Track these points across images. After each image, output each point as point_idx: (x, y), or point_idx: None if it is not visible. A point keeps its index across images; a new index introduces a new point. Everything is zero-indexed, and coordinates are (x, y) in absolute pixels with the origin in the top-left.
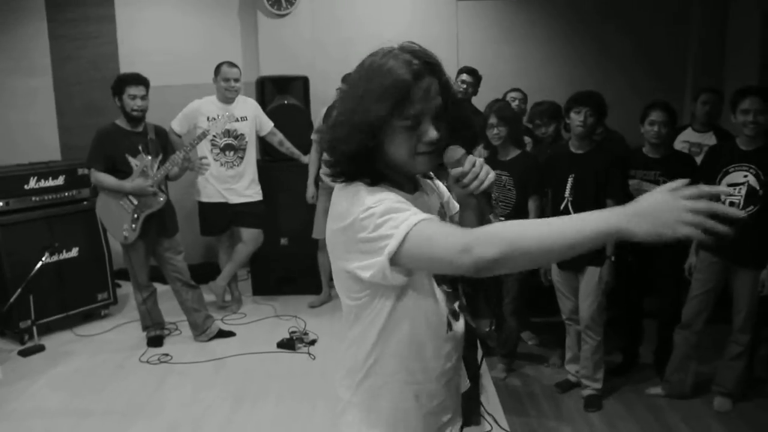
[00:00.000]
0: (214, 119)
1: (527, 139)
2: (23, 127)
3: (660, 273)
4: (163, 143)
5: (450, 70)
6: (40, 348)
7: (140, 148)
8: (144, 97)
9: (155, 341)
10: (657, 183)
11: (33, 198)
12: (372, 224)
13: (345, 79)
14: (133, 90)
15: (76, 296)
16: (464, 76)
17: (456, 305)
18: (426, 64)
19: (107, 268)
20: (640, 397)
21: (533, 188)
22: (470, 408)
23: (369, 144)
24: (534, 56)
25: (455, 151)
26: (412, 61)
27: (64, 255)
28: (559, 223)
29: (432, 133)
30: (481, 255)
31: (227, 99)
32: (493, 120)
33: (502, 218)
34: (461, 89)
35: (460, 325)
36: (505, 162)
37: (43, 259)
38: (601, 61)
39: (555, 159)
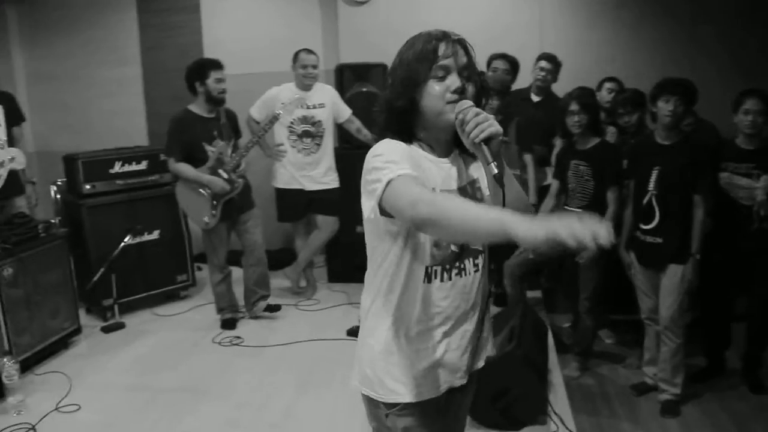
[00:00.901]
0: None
1: (612, 129)
2: (114, 115)
3: (753, 273)
4: (234, 126)
5: (532, 56)
6: (121, 325)
7: (215, 134)
8: (225, 80)
9: (229, 324)
10: (749, 176)
11: (117, 182)
12: (372, 168)
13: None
14: (218, 74)
15: (157, 277)
16: (543, 63)
17: (458, 263)
18: (449, 35)
19: (187, 251)
20: (723, 406)
21: (612, 179)
22: (534, 407)
23: (414, 96)
24: (620, 42)
25: (463, 103)
26: (438, 31)
27: (146, 237)
28: (479, 210)
29: (457, 82)
30: (418, 212)
31: (305, 86)
32: (574, 107)
33: (497, 171)
34: (539, 76)
35: (448, 284)
36: (583, 151)
37: (126, 240)
38: (689, 46)
39: (638, 149)
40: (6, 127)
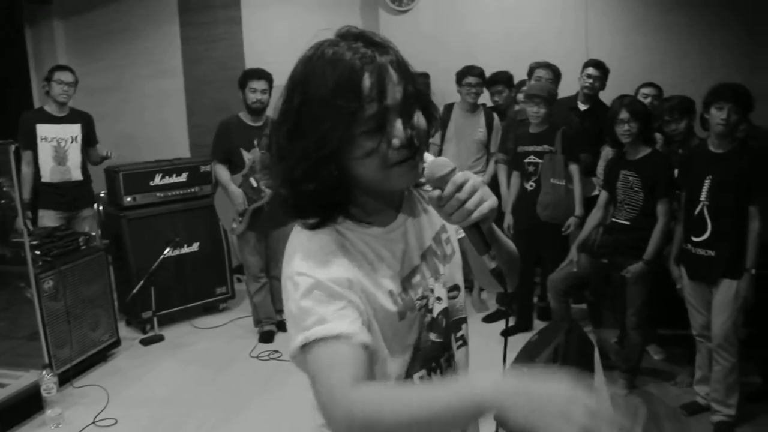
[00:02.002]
0: None
1: (658, 137)
2: (156, 127)
3: None
4: None
5: (577, 63)
6: (160, 338)
7: (255, 142)
8: (264, 91)
9: (266, 337)
10: None
11: (157, 194)
12: (294, 300)
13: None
14: (254, 84)
15: (196, 289)
16: (590, 70)
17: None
18: (371, 45)
19: (226, 263)
20: None
21: (663, 190)
22: None
23: (333, 173)
24: (670, 47)
25: (437, 167)
26: (352, 45)
27: (186, 249)
28: (426, 401)
29: (400, 133)
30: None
31: None
32: (624, 115)
33: (496, 264)
34: (587, 84)
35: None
36: (633, 161)
37: (166, 252)
38: (748, 51)
39: (690, 159)
40: (83, 145)
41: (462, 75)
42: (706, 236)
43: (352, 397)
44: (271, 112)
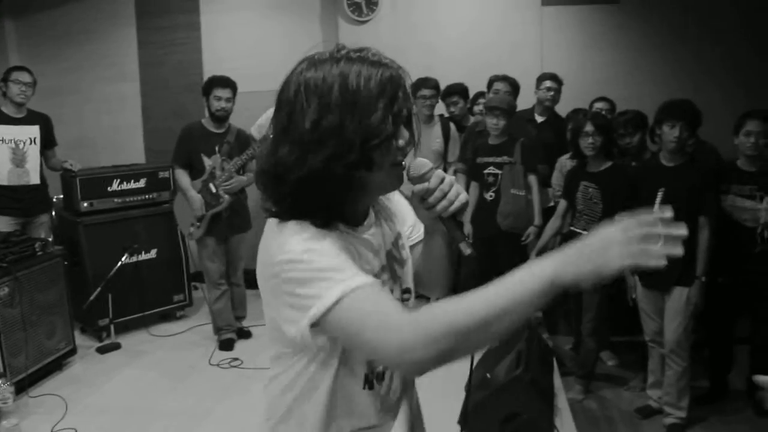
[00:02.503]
0: None
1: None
2: (112, 131)
3: (756, 295)
4: (242, 147)
5: (534, 76)
6: (117, 346)
7: (216, 148)
8: (229, 99)
9: (226, 344)
10: (753, 198)
11: (115, 200)
12: (301, 276)
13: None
14: (219, 92)
15: (153, 297)
16: (548, 83)
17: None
18: (402, 68)
19: (184, 270)
20: (728, 430)
21: (622, 203)
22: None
23: (371, 163)
24: (622, 64)
25: (421, 165)
26: (393, 62)
27: (143, 256)
28: (500, 292)
29: (406, 137)
30: (420, 356)
31: None
32: (589, 128)
33: (471, 250)
34: (548, 96)
35: (384, 387)
36: (594, 173)
37: (123, 259)
38: (692, 70)
39: (644, 172)
40: (42, 147)
41: (417, 87)
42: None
43: (416, 317)
44: (232, 119)
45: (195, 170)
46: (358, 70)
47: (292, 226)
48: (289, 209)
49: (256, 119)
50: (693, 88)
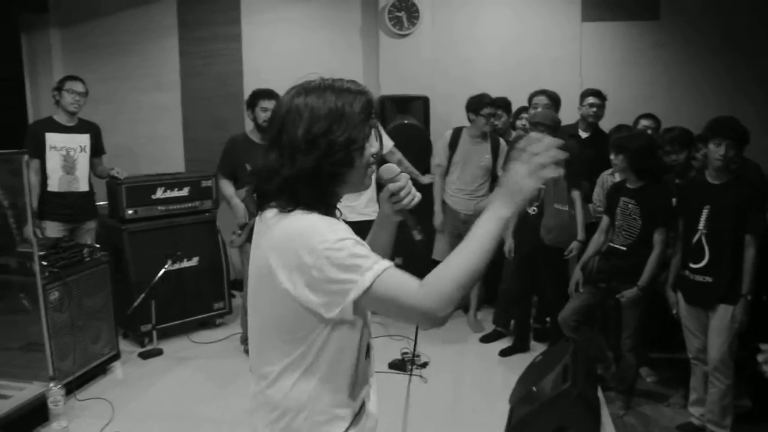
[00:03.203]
0: None
1: None
2: (152, 140)
3: None
4: None
5: (573, 92)
6: (159, 352)
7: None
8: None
9: None
10: None
11: (159, 207)
12: (336, 263)
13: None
14: (264, 103)
15: (194, 304)
16: (591, 99)
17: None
18: (368, 89)
19: (224, 279)
20: None
21: (660, 220)
22: None
23: (352, 162)
24: (660, 81)
25: (391, 169)
26: (359, 84)
27: (185, 263)
28: (472, 244)
29: (377, 145)
30: (442, 315)
31: None
32: (612, 148)
33: (421, 236)
34: (591, 112)
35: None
36: (633, 189)
37: (166, 266)
38: (728, 88)
39: (688, 189)
40: (91, 155)
41: (479, 104)
42: (704, 263)
43: (427, 285)
44: None
45: (240, 180)
46: (344, 95)
47: (313, 217)
48: (288, 202)
49: None
50: (729, 105)
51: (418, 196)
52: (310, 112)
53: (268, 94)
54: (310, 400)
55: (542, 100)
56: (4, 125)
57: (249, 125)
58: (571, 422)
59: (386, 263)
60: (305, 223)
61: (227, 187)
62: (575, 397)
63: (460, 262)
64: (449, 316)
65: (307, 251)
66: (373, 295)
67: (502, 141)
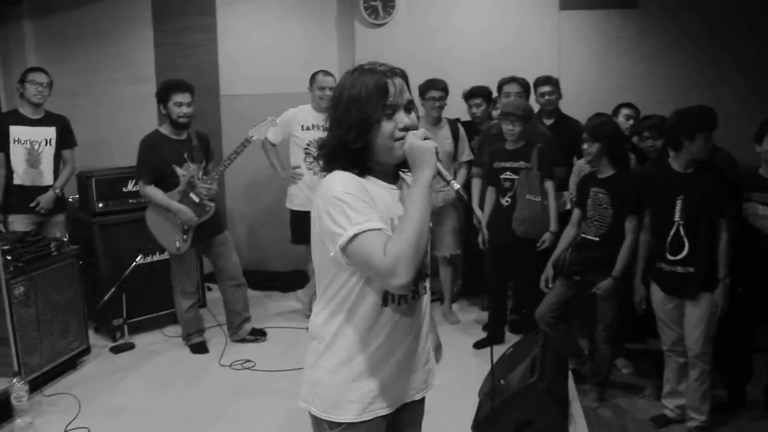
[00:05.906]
0: (308, 128)
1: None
2: (127, 132)
3: None
4: (205, 148)
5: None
6: (131, 346)
7: (185, 156)
8: (189, 104)
9: (200, 348)
10: None
11: (129, 200)
12: (338, 210)
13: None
14: (178, 97)
15: (166, 297)
16: (542, 88)
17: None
18: (393, 70)
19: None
20: None
21: (631, 208)
22: None
23: (367, 137)
24: (640, 70)
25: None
26: (385, 66)
27: (157, 257)
28: (412, 212)
29: (405, 120)
30: (404, 275)
31: (322, 108)
32: (584, 136)
33: (459, 185)
34: (543, 101)
35: (402, 307)
36: (603, 179)
37: (137, 260)
38: (708, 76)
39: (655, 178)
40: (57, 149)
41: (425, 88)
42: (684, 254)
43: (388, 249)
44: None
45: (168, 183)
46: (361, 79)
47: (339, 174)
48: (328, 166)
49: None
50: (711, 95)
51: (431, 141)
52: (338, 92)
53: (182, 86)
54: (336, 335)
55: (513, 87)
56: None
57: (225, 115)
58: (537, 416)
59: (373, 225)
60: (329, 177)
61: (157, 193)
62: (542, 390)
63: (408, 226)
64: (412, 280)
65: (322, 199)
66: (351, 250)
67: (460, 126)
